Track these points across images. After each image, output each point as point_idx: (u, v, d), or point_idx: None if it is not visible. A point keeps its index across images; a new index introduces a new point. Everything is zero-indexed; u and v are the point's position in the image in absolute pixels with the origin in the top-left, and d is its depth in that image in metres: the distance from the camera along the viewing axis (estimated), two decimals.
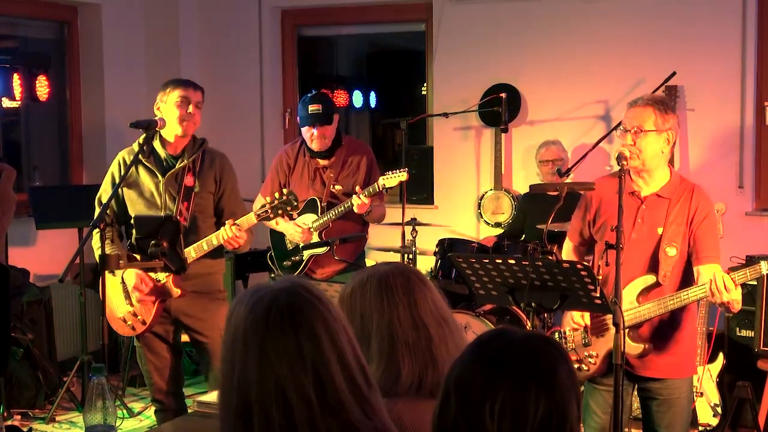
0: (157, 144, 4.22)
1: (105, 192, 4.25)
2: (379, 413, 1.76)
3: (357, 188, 4.65)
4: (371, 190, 4.67)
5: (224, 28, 7.06)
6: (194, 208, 4.21)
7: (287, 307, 1.71)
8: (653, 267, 3.45)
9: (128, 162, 4.17)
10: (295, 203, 4.14)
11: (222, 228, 4.11)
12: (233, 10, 7.04)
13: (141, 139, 4.19)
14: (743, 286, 4.94)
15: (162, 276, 4.11)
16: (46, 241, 6.06)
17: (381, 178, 4.70)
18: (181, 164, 4.20)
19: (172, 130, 4.18)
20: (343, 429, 1.68)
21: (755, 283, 4.95)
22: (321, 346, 1.68)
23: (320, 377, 1.67)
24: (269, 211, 4.11)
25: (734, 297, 3.24)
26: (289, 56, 7.14)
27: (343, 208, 4.72)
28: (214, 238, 4.13)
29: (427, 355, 2.17)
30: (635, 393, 3.65)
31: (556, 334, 3.81)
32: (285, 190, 4.16)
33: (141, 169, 4.20)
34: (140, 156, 4.14)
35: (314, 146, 4.83)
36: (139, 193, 4.21)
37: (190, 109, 4.16)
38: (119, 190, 4.17)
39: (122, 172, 4.16)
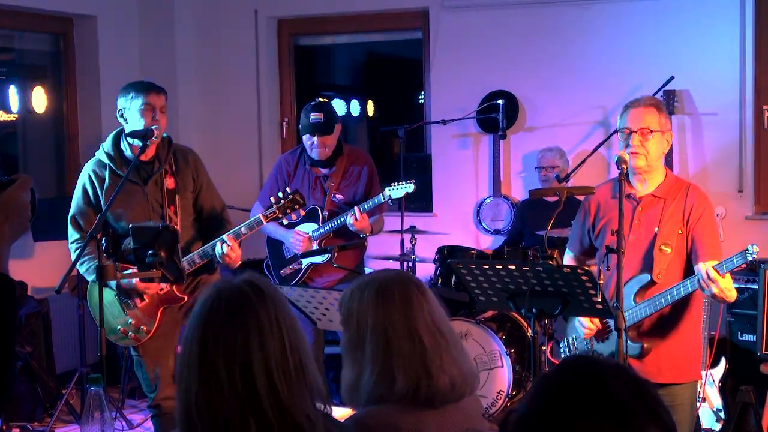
0: (125, 150, 4.13)
1: (78, 210, 4.16)
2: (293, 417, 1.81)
3: (356, 208, 4.62)
4: (375, 201, 4.64)
5: (220, 38, 7.05)
6: (179, 210, 4.18)
7: (227, 302, 1.86)
8: (648, 265, 3.45)
9: (99, 174, 4.12)
10: (302, 201, 4.12)
11: (217, 243, 4.07)
12: (229, 20, 7.02)
13: (109, 150, 4.14)
14: (744, 289, 4.99)
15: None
16: (44, 253, 6.04)
17: (387, 189, 4.67)
18: (158, 168, 4.14)
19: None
20: (262, 425, 1.79)
21: (757, 287, 4.93)
22: (249, 343, 1.81)
23: (246, 370, 1.79)
24: (277, 211, 4.08)
25: (724, 286, 3.20)
26: (286, 66, 7.12)
27: (343, 219, 4.69)
28: (210, 249, 4.10)
29: (421, 367, 2.16)
30: None
31: (560, 343, 3.79)
32: (289, 189, 4.14)
33: (119, 181, 4.08)
34: (113, 165, 4.09)
35: (314, 155, 4.81)
36: (124, 205, 4.14)
37: (156, 116, 4.07)
38: (96, 202, 4.11)
39: (96, 186, 4.11)
